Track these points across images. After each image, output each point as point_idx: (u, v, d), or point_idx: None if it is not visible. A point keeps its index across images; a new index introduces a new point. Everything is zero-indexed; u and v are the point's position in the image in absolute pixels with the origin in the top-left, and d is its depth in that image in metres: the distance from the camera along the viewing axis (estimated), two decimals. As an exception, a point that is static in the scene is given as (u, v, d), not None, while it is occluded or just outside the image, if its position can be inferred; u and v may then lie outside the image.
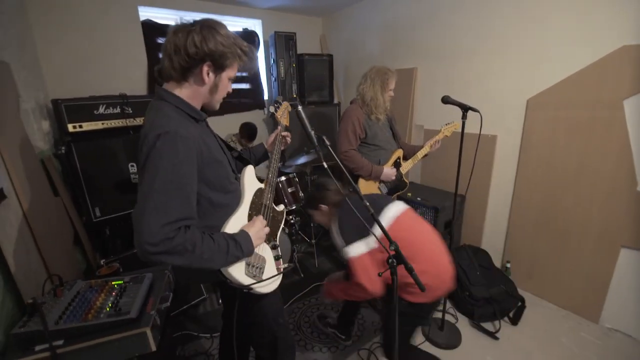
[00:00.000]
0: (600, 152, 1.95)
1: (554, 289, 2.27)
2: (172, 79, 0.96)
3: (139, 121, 2.42)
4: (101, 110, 2.25)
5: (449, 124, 2.07)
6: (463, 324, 2.12)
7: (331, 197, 1.57)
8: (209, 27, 0.92)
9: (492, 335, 2.00)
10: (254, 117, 3.61)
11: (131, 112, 2.37)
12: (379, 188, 2.12)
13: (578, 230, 2.10)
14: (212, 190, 1.01)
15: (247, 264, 1.04)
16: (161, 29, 2.93)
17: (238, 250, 0.97)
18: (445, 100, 1.76)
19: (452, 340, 1.98)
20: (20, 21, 2.17)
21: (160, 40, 2.93)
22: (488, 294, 2.15)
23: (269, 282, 1.09)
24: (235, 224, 1.05)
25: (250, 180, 1.18)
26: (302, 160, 2.78)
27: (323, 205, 1.58)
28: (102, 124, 2.26)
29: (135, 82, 2.88)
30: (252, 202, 1.14)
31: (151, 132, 0.86)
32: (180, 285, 1.96)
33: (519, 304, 2.15)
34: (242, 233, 1.02)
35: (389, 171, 2.10)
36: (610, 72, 1.85)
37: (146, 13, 2.92)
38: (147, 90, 2.95)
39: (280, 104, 1.49)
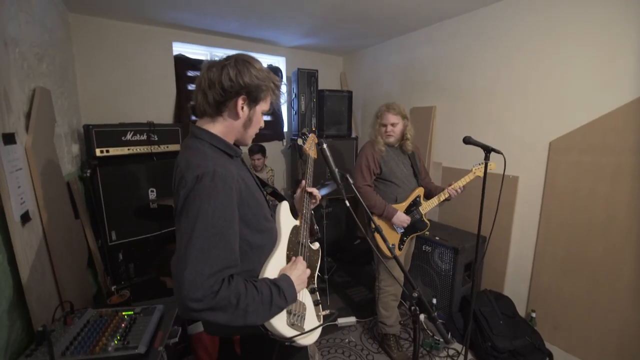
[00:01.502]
0: (628, 198, 1.86)
1: (585, 344, 2.08)
2: (206, 114, 0.95)
3: (163, 148, 2.50)
4: (129, 136, 2.34)
5: (481, 163, 1.90)
6: (486, 379, 1.95)
7: None
8: (244, 61, 0.92)
9: (519, 394, 1.82)
10: (273, 148, 3.69)
11: (156, 139, 2.46)
12: (393, 228, 2.05)
13: (609, 280, 1.96)
14: (251, 232, 0.94)
15: (288, 312, 0.93)
16: (191, 63, 3.11)
17: (281, 299, 0.88)
18: (467, 140, 1.74)
19: (474, 397, 1.81)
20: (66, 52, 2.35)
21: (191, 73, 3.10)
22: (512, 346, 1.99)
23: (311, 332, 0.98)
24: (274, 266, 0.97)
25: (286, 217, 1.10)
26: (323, 191, 2.77)
27: None
28: (128, 149, 2.34)
29: (163, 111, 3.02)
30: (290, 241, 1.06)
31: (188, 173, 0.82)
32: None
33: (547, 359, 1.97)
34: (284, 277, 0.93)
35: (401, 217, 2.00)
36: (634, 118, 1.82)
37: (179, 48, 3.12)
38: (173, 119, 3.08)
39: (307, 136, 1.41)
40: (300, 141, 1.45)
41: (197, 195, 0.79)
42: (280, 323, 0.89)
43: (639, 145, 1.81)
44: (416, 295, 0.98)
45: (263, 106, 0.99)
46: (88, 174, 2.18)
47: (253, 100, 0.95)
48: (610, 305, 1.96)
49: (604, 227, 1.98)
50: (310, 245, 1.16)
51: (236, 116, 0.95)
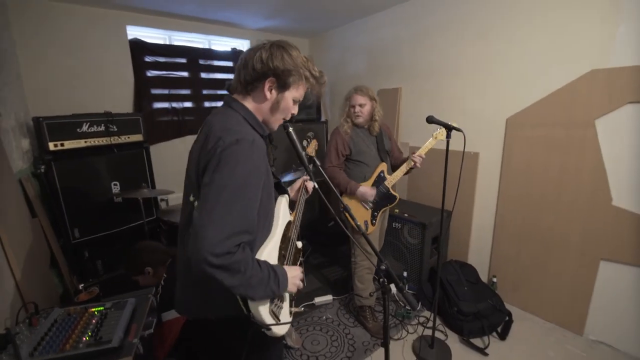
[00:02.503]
0: (576, 169, 2.05)
1: (539, 302, 2.31)
2: (237, 91, 0.98)
3: (124, 139, 2.39)
4: (85, 128, 2.21)
5: (440, 128, 1.94)
6: (453, 340, 2.12)
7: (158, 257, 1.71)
8: (279, 46, 0.94)
9: (482, 351, 2.00)
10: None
11: (116, 129, 2.34)
12: (363, 205, 2.12)
13: (560, 244, 2.17)
14: (262, 210, 0.94)
15: (271, 301, 0.96)
16: (149, 48, 2.93)
17: (275, 284, 0.90)
18: (430, 120, 1.81)
19: (442, 357, 1.96)
20: (3, 36, 2.14)
21: (149, 59, 2.93)
22: (476, 309, 2.16)
23: (284, 325, 1.01)
24: (270, 253, 0.99)
25: (284, 211, 1.12)
26: (288, 177, 2.78)
27: (148, 268, 1.69)
28: (85, 142, 2.21)
29: (120, 100, 2.85)
30: (283, 234, 1.08)
31: (226, 135, 0.83)
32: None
33: (507, 318, 2.17)
34: (282, 270, 0.95)
35: (364, 191, 2.06)
36: (581, 94, 1.97)
37: (135, 32, 2.92)
38: (132, 108, 2.91)
39: (311, 140, 1.50)
40: (305, 143, 1.57)
41: (235, 156, 0.81)
42: (264, 308, 0.92)
43: (585, 119, 1.97)
44: (384, 267, 1.04)
45: (294, 93, 0.99)
46: (42, 170, 2.05)
47: (282, 85, 0.96)
48: (561, 266, 2.17)
49: (555, 197, 2.16)
50: (296, 242, 1.20)
51: (264, 98, 0.96)
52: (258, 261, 0.88)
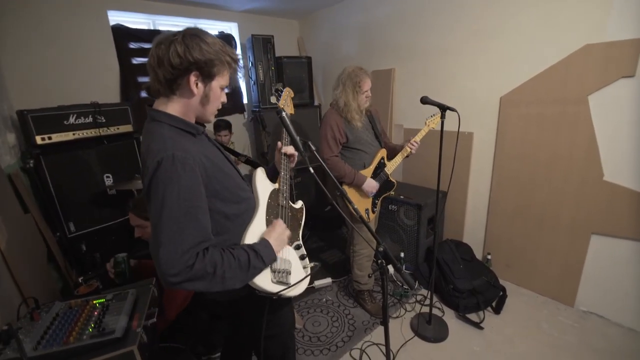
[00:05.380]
0: (569, 145, 2.06)
1: (532, 277, 2.38)
2: (160, 94, 0.92)
3: (113, 130, 2.34)
4: (72, 120, 2.15)
5: (433, 115, 2.00)
6: (449, 316, 2.19)
7: None
8: (192, 35, 0.87)
9: (477, 325, 2.07)
10: (235, 121, 3.56)
11: (104, 121, 2.28)
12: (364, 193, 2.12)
13: (552, 220, 2.21)
14: (225, 203, 0.97)
15: (273, 271, 1.01)
16: (133, 33, 2.83)
17: (259, 261, 0.94)
18: (424, 100, 1.79)
19: (439, 333, 2.03)
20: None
21: (133, 45, 2.83)
22: (471, 286, 2.22)
23: (298, 285, 1.06)
24: (254, 232, 1.02)
25: (263, 183, 1.13)
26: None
27: None
28: (74, 134, 2.16)
29: (107, 90, 2.76)
30: (269, 206, 1.09)
31: (149, 160, 0.83)
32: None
33: (501, 293, 2.24)
34: (262, 242, 0.99)
35: (371, 184, 2.05)
36: (574, 70, 1.96)
37: (116, 17, 2.81)
38: (120, 98, 2.84)
39: (282, 91, 1.35)
40: (273, 99, 1.39)
41: (159, 180, 0.81)
42: (265, 281, 0.97)
43: (579, 95, 1.97)
44: (382, 249, 1.05)
45: (220, 81, 0.95)
46: (31, 165, 2.01)
47: (207, 76, 0.91)
48: (553, 241, 2.23)
49: (547, 174, 2.19)
50: (293, 204, 1.20)
51: (191, 94, 0.91)
52: (232, 251, 0.90)
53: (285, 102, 1.36)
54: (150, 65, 0.89)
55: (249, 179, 1.15)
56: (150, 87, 0.93)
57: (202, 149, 0.94)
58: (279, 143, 1.23)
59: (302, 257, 1.15)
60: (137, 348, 1.07)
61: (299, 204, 1.25)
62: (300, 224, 1.23)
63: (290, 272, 1.06)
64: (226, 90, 1.01)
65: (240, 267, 0.90)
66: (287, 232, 1.08)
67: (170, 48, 0.85)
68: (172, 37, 0.87)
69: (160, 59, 0.86)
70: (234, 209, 1.00)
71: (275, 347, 1.21)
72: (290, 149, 1.21)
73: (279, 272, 1.02)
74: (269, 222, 1.08)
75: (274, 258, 1.00)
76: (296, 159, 1.26)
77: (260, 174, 1.15)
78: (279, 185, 1.17)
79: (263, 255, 0.95)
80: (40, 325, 1.13)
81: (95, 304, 1.27)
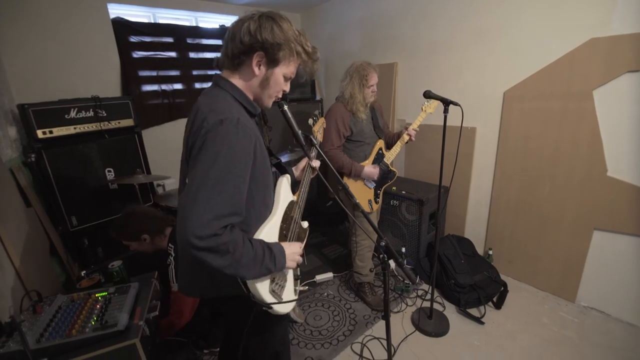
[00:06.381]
0: (572, 141, 2.04)
1: (534, 272, 2.38)
2: (225, 67, 0.93)
3: (114, 124, 2.33)
4: (72, 114, 2.14)
5: (428, 102, 1.97)
6: (450, 311, 2.19)
7: (155, 224, 1.66)
8: (268, 17, 0.89)
9: (478, 320, 2.07)
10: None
11: (105, 115, 2.27)
12: (365, 184, 2.12)
13: (554, 216, 2.20)
14: (257, 190, 0.94)
15: (272, 280, 0.97)
16: (133, 27, 2.80)
17: (271, 262, 0.90)
18: (427, 94, 1.78)
19: (440, 327, 2.03)
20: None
21: (134, 39, 2.81)
22: (472, 281, 2.22)
23: (286, 304, 1.03)
24: (270, 232, 0.99)
25: (285, 191, 1.11)
26: (285, 158, 2.76)
27: (145, 235, 1.63)
28: (75, 128, 2.15)
29: (108, 84, 2.75)
30: (285, 214, 1.07)
31: (211, 115, 0.81)
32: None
33: (502, 288, 2.24)
34: (279, 246, 0.95)
35: (370, 170, 2.05)
36: (579, 64, 1.94)
37: (117, 10, 2.78)
38: (121, 92, 2.83)
39: (318, 118, 1.41)
40: (310, 121, 1.45)
41: (219, 137, 0.79)
42: (263, 287, 0.93)
43: (583, 90, 1.94)
44: (384, 244, 1.05)
45: (284, 69, 0.94)
46: (33, 159, 2.00)
47: (271, 59, 0.91)
48: (555, 237, 2.22)
49: (551, 169, 2.17)
50: (301, 222, 1.19)
51: (252, 74, 0.92)
52: (251, 240, 0.88)
53: (319, 129, 1.45)
54: (225, 38, 0.92)
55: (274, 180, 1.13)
56: (220, 59, 0.95)
57: (257, 131, 0.93)
58: (305, 160, 1.25)
59: (296, 278, 1.13)
60: (139, 341, 1.08)
61: (305, 225, 1.24)
62: (302, 245, 1.21)
63: (284, 287, 1.03)
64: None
65: (254, 260, 0.86)
66: (300, 259, 1.04)
67: (244, 24, 0.87)
68: (250, 15, 0.89)
69: (233, 33, 0.89)
70: (259, 199, 0.97)
71: (264, 351, 1.17)
72: (317, 163, 1.23)
73: (276, 283, 0.99)
74: (281, 230, 1.04)
75: (283, 266, 0.95)
76: (315, 173, 1.27)
77: (286, 181, 1.14)
78: (297, 198, 1.17)
79: (276, 258, 0.92)
80: (43, 318, 1.14)
81: (98, 297, 1.28)
